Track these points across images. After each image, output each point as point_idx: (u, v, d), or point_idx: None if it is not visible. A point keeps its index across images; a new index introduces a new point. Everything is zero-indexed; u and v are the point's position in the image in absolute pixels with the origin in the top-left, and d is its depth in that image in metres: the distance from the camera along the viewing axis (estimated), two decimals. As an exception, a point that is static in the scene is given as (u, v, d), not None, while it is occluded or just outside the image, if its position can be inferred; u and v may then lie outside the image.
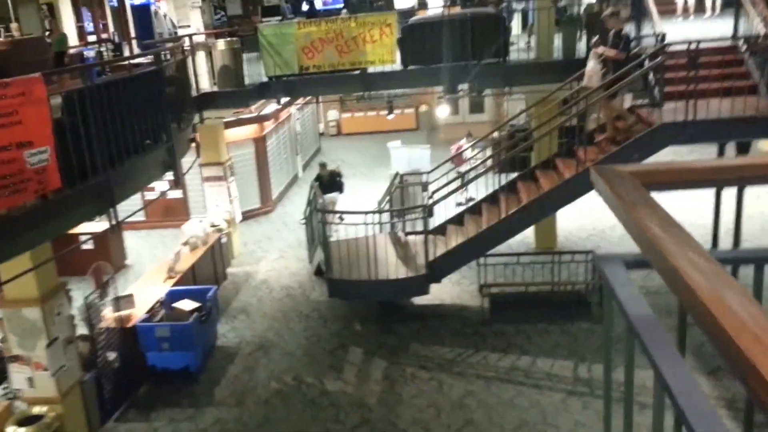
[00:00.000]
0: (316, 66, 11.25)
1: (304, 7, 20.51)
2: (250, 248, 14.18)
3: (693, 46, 8.41)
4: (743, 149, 9.33)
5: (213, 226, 12.80)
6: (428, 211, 9.34)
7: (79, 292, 9.49)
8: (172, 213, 15.10)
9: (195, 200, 14.95)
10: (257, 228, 15.34)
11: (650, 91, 9.28)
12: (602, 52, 8.87)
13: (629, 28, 10.39)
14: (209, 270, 11.99)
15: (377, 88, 12.01)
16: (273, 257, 13.67)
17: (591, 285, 10.35)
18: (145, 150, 7.16)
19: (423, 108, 23.10)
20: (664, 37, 9.30)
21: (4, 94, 5.23)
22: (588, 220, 13.83)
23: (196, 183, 14.15)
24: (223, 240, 12.80)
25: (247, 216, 15.35)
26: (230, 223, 13.30)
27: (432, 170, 11.93)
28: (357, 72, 11.22)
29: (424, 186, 11.59)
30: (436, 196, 9.42)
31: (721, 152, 10.14)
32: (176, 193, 14.78)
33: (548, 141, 10.27)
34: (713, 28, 12.81)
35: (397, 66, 11.12)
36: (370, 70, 11.20)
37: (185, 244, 11.84)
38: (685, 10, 15.19)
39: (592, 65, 9.06)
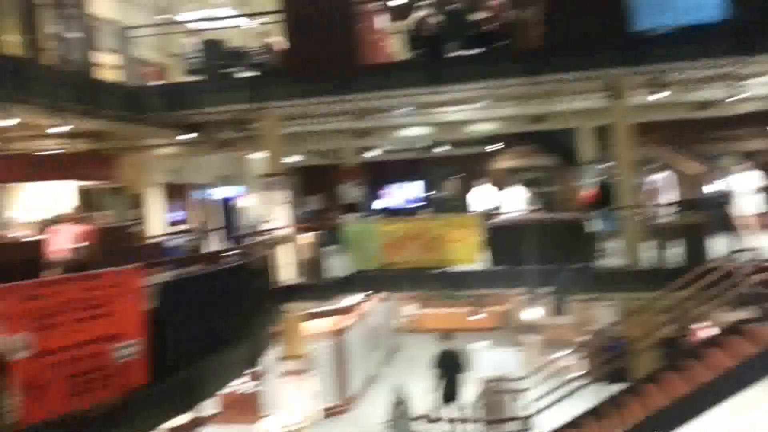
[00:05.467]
0: (399, 262, 11.20)
1: (377, 204, 21.32)
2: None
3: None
4: None
5: (284, 427, 12.02)
6: (525, 423, 8.36)
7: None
8: (245, 408, 14.44)
9: (269, 395, 14.33)
10: (333, 429, 14.33)
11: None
12: None
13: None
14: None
15: (460, 286, 11.71)
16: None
17: None
18: (232, 345, 6.95)
19: (505, 307, 22.39)
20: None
21: (96, 286, 5.12)
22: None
23: (271, 377, 13.66)
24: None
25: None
26: (308, 422, 12.45)
27: (526, 376, 10.91)
28: (439, 271, 11.00)
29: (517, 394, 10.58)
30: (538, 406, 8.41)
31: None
32: (248, 386, 14.31)
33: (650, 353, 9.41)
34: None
35: (480, 265, 10.86)
36: (453, 269, 10.97)
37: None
38: None
39: None
